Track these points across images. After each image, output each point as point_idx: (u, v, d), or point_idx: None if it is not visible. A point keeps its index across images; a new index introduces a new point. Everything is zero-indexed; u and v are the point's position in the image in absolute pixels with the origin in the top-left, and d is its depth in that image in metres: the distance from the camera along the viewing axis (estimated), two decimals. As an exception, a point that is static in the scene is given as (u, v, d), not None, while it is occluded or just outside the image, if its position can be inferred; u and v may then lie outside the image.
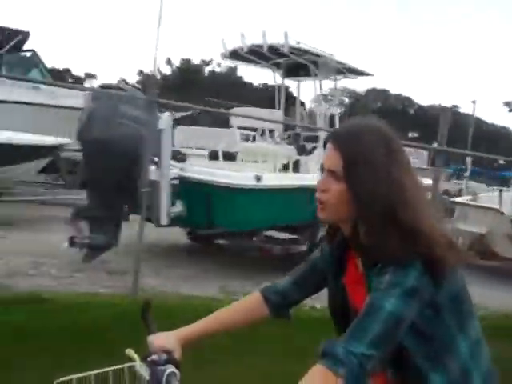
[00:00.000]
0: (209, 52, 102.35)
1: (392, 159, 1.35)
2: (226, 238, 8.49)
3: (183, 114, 11.21)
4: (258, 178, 7.10)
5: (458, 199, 11.50)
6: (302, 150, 8.83)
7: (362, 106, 49.19)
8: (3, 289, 5.48)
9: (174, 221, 7.01)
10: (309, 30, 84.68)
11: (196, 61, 50.22)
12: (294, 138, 9.29)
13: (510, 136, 58.51)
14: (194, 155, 8.08)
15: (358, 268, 1.48)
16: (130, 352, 1.47)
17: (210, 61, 49.68)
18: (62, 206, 8.98)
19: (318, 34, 79.45)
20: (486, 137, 48.57)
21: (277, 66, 10.09)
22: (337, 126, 9.46)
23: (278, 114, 9.39)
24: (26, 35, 12.38)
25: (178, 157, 7.70)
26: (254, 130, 9.22)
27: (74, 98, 9.67)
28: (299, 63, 9.50)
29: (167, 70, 49.83)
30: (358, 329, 1.25)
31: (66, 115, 9.90)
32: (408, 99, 57.00)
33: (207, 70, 50.54)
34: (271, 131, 9.31)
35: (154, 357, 1.44)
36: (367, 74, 10.50)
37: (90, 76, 48.63)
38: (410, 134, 51.71)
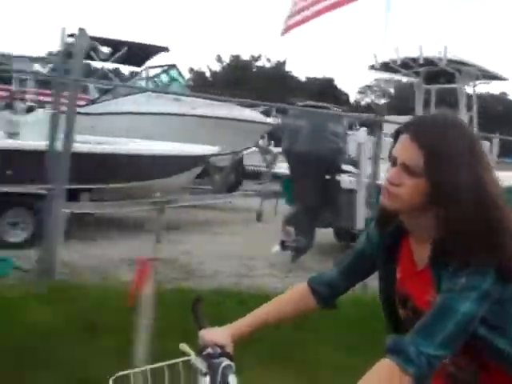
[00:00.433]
0: (258, 47, 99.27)
1: (474, 155, 1.33)
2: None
3: None
4: None
5: None
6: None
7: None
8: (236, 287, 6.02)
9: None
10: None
11: (245, 57, 49.90)
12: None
13: None
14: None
15: (414, 260, 1.47)
16: (183, 346, 1.50)
17: (259, 56, 49.12)
18: (214, 209, 9.94)
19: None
20: None
21: (416, 74, 10.77)
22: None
23: None
24: (165, 50, 13.49)
25: None
26: None
27: (210, 107, 10.44)
28: (439, 71, 10.05)
29: (217, 67, 50.08)
30: (429, 328, 1.25)
31: (212, 124, 10.64)
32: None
33: (256, 64, 49.83)
34: None
35: (209, 350, 1.47)
36: (502, 79, 10.83)
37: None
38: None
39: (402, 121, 1.61)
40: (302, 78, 51.23)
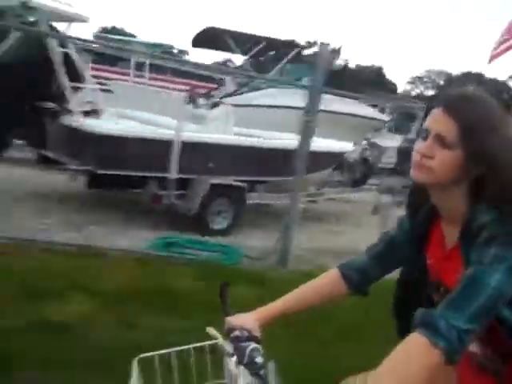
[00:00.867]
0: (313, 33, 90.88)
1: (504, 124, 1.35)
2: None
3: None
4: None
5: None
6: None
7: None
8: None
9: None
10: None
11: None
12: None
13: None
14: None
15: (444, 243, 1.46)
16: (210, 330, 1.50)
17: (315, 42, 46.23)
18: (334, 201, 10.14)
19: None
20: None
21: None
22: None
23: None
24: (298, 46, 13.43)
25: None
26: None
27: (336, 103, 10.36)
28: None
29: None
30: (458, 302, 1.22)
31: (337, 119, 10.70)
32: (504, 84, 48.35)
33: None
34: None
35: (237, 333, 1.47)
36: None
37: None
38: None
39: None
40: (352, 66, 50.48)
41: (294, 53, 12.49)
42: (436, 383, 1.51)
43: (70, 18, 8.30)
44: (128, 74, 15.81)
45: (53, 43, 7.59)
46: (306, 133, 6.24)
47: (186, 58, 26.63)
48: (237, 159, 7.83)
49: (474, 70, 54.96)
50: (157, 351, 1.49)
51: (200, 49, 13.75)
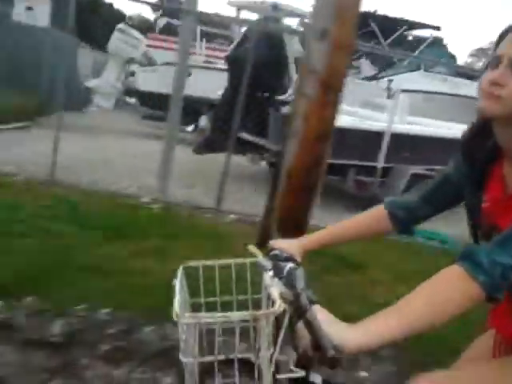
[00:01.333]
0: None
1: None
2: None
3: None
4: None
5: None
6: None
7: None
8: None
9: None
10: None
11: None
12: None
13: None
14: None
15: (504, 186, 1.38)
16: (251, 248, 1.56)
17: (375, 11, 40.72)
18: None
19: None
20: None
21: None
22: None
23: None
24: (437, 29, 13.06)
25: None
26: None
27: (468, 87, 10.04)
28: None
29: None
30: (506, 239, 1.17)
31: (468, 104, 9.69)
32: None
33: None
34: None
35: (276, 251, 1.51)
36: None
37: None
38: None
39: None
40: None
41: (431, 37, 12.13)
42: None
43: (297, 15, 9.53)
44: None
45: (289, 40, 8.78)
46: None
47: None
48: (433, 149, 8.02)
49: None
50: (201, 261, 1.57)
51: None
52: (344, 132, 7.43)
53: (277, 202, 2.74)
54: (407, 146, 8.03)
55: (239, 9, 11.22)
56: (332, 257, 4.79)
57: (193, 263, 1.58)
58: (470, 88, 9.97)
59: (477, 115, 1.40)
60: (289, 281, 1.29)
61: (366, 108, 9.13)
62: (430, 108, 9.77)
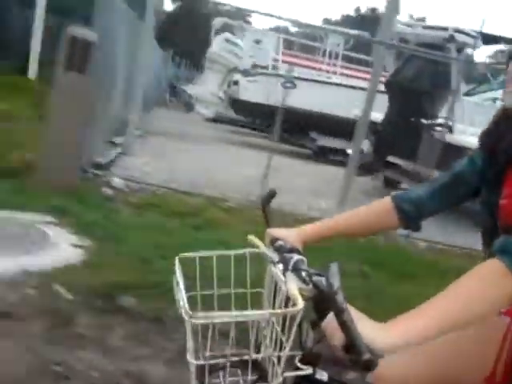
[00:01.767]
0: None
1: None
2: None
3: None
4: None
5: None
6: None
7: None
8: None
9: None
10: None
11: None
12: None
13: None
14: None
15: None
16: (252, 238, 1.48)
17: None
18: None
19: None
20: None
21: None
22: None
23: None
24: None
25: None
26: None
27: None
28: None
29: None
30: None
31: None
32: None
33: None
34: None
35: (281, 242, 1.43)
36: None
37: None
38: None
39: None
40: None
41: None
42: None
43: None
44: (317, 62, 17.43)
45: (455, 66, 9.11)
46: None
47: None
48: None
49: None
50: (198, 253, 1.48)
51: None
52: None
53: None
54: None
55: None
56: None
57: (188, 254, 1.48)
58: None
59: (497, 111, 1.42)
60: (299, 274, 1.24)
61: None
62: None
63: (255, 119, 14.78)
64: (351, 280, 4.31)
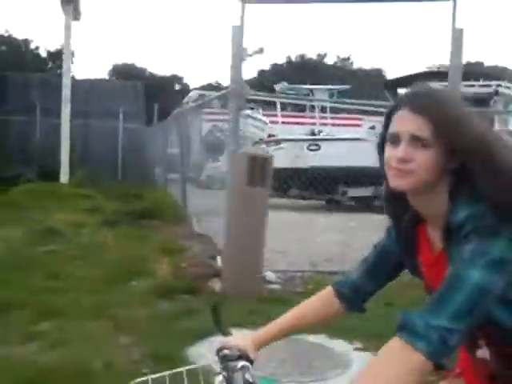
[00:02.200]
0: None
1: (472, 115, 1.31)
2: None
3: None
4: None
5: None
6: None
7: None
8: None
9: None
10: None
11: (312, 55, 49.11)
12: None
13: None
14: None
15: (432, 248, 1.38)
16: (202, 350, 1.49)
17: (325, 54, 49.50)
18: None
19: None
20: None
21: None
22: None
23: None
24: None
25: None
26: None
27: None
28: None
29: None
30: (439, 301, 1.16)
31: None
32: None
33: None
34: None
35: (226, 351, 1.44)
36: None
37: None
38: None
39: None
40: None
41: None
42: None
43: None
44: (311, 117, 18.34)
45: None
46: None
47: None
48: None
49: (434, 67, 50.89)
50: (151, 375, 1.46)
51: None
52: None
53: None
54: None
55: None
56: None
57: (141, 379, 1.46)
58: None
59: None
60: None
61: None
62: None
63: (285, 183, 15.21)
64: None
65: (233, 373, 1.35)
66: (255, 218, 5.63)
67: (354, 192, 13.60)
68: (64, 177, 13.24)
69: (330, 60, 50.79)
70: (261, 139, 16.56)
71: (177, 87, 44.47)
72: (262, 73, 45.20)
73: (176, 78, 44.77)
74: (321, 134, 15.41)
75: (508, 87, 10.65)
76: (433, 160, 1.26)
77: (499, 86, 10.49)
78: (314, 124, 17.54)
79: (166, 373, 1.46)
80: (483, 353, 1.38)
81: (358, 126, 16.40)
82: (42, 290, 5.19)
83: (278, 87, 21.30)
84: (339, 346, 4.37)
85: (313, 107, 18.97)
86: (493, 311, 1.22)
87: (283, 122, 17.73)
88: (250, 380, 1.32)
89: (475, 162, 1.24)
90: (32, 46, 37.24)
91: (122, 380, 1.81)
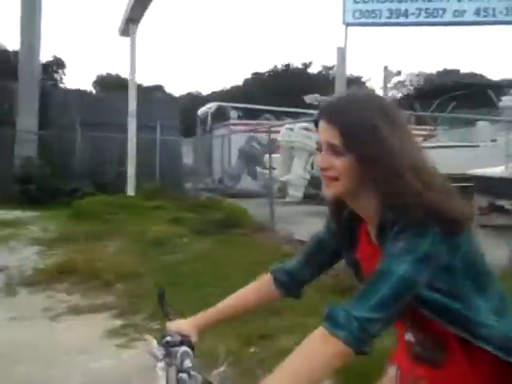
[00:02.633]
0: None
1: (388, 123, 1.30)
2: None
3: None
4: None
5: None
6: None
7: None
8: None
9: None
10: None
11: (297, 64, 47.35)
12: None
13: None
14: None
15: (370, 242, 1.44)
16: (148, 337, 1.57)
17: (310, 63, 47.69)
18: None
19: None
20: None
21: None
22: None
23: None
24: None
25: None
26: None
27: None
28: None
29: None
30: (363, 293, 1.22)
31: None
32: (481, 76, 44.17)
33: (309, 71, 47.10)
34: None
35: (168, 338, 1.50)
36: None
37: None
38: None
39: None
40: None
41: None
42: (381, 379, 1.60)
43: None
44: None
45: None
46: None
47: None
48: None
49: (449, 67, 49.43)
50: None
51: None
52: None
53: None
54: None
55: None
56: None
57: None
58: None
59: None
60: (182, 371, 1.37)
61: None
62: None
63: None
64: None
65: (174, 358, 1.41)
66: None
67: None
68: (130, 189, 13.77)
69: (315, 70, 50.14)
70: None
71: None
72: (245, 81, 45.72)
73: (157, 88, 44.52)
74: None
75: None
76: (349, 166, 1.30)
77: None
78: None
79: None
80: (409, 335, 1.46)
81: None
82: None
83: (308, 99, 21.59)
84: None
85: None
86: (420, 295, 1.25)
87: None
88: (189, 365, 1.38)
89: (375, 170, 1.28)
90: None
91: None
